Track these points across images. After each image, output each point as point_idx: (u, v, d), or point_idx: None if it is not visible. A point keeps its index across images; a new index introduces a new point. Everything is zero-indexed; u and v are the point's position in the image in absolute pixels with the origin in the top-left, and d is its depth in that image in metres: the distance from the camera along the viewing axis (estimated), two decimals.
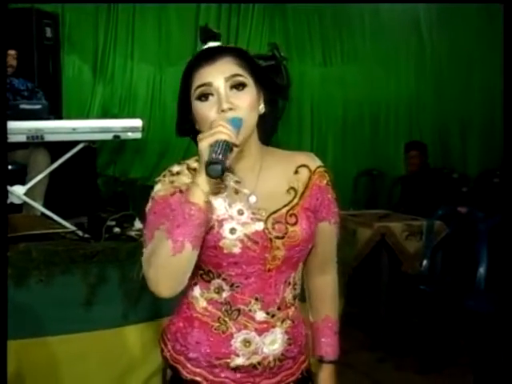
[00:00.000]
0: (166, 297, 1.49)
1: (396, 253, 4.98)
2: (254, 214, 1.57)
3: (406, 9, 8.08)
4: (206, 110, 1.52)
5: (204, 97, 1.53)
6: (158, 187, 1.59)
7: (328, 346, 1.76)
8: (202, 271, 1.59)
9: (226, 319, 1.58)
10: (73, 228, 3.46)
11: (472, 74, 8.18)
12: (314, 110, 8.26)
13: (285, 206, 1.60)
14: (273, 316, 1.60)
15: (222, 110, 1.49)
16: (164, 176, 1.60)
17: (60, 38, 6.42)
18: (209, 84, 1.52)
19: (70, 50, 7.15)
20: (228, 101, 1.50)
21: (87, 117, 7.05)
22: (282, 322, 1.62)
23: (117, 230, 3.35)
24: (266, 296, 1.58)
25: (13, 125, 3.35)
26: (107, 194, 6.11)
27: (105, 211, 4.12)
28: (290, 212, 1.59)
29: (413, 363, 4.37)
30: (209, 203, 1.47)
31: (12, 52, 4.55)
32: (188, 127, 1.61)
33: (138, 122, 3.67)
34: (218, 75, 1.52)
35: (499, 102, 7.35)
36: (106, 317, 3.00)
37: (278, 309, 1.61)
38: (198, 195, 1.44)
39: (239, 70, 1.53)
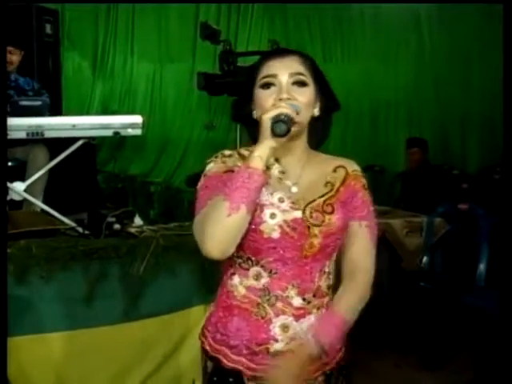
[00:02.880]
0: (214, 257, 1.56)
1: (396, 249, 4.98)
2: (293, 203, 1.67)
3: (406, 6, 8.07)
4: (266, 97, 1.65)
5: (267, 86, 1.66)
6: (210, 166, 1.70)
7: (322, 326, 1.66)
8: (241, 260, 1.67)
9: (265, 305, 1.65)
10: (73, 224, 3.46)
11: (471, 70, 8.19)
12: None
13: (322, 196, 1.70)
14: (309, 302, 1.67)
15: (280, 99, 1.62)
16: (216, 157, 1.72)
17: (60, 34, 6.40)
18: (274, 76, 1.66)
19: (69, 47, 7.16)
20: (288, 92, 1.63)
21: (87, 113, 7.05)
22: (318, 309, 1.69)
23: (117, 226, 3.35)
24: (303, 283, 1.66)
25: (13, 121, 3.34)
26: (107, 191, 6.10)
27: (105, 208, 4.13)
28: (327, 202, 1.69)
29: (413, 360, 4.37)
30: (267, 172, 1.57)
31: (10, 48, 4.53)
32: (244, 114, 1.73)
33: (137, 119, 3.66)
34: (284, 69, 1.66)
35: (499, 99, 7.29)
36: (106, 313, 3.00)
37: (314, 296, 1.68)
38: (258, 162, 1.54)
39: (303, 70, 1.67)
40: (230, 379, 1.69)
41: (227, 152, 1.73)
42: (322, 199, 1.69)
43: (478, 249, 4.38)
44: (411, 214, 5.31)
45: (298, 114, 1.59)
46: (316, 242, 1.65)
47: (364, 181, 1.77)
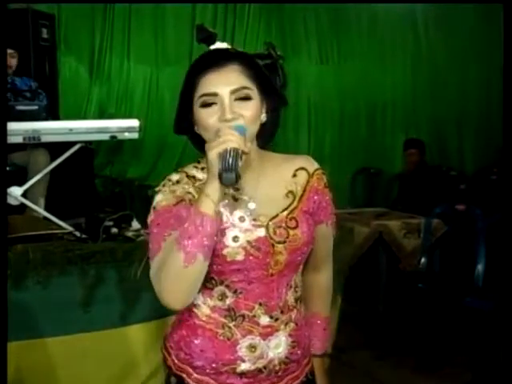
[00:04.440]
0: (178, 309, 1.51)
1: (394, 251, 4.99)
2: (254, 220, 1.57)
3: (403, 7, 8.07)
4: (208, 117, 1.51)
5: (207, 105, 1.51)
6: (159, 197, 1.56)
7: (316, 340, 1.79)
8: (204, 279, 1.54)
9: (231, 325, 1.58)
10: (70, 229, 3.46)
11: (468, 71, 8.19)
12: (311, 109, 8.24)
13: (284, 209, 1.60)
14: (276, 320, 1.60)
15: (226, 120, 1.48)
16: (164, 186, 1.57)
17: (56, 38, 6.41)
18: (214, 94, 1.50)
19: (66, 51, 7.14)
20: (231, 111, 1.49)
21: (84, 117, 7.04)
22: (286, 325, 1.62)
23: (114, 230, 3.35)
24: (270, 300, 1.59)
25: (9, 126, 3.32)
26: (105, 195, 6.10)
27: (102, 212, 4.12)
28: (290, 216, 1.59)
29: (411, 361, 4.37)
30: (219, 213, 1.45)
31: (10, 51, 4.52)
32: (186, 126, 1.59)
33: (134, 122, 3.66)
34: (224, 86, 1.50)
35: (495, 99, 7.37)
36: (103, 317, 3.00)
37: (281, 312, 1.61)
38: (209, 205, 1.41)
39: (246, 82, 1.52)
40: None
41: (174, 177, 1.58)
42: (285, 213, 1.59)
43: (475, 249, 4.38)
44: (409, 216, 5.32)
45: (245, 136, 1.44)
46: (282, 258, 1.57)
47: (325, 179, 1.67)
